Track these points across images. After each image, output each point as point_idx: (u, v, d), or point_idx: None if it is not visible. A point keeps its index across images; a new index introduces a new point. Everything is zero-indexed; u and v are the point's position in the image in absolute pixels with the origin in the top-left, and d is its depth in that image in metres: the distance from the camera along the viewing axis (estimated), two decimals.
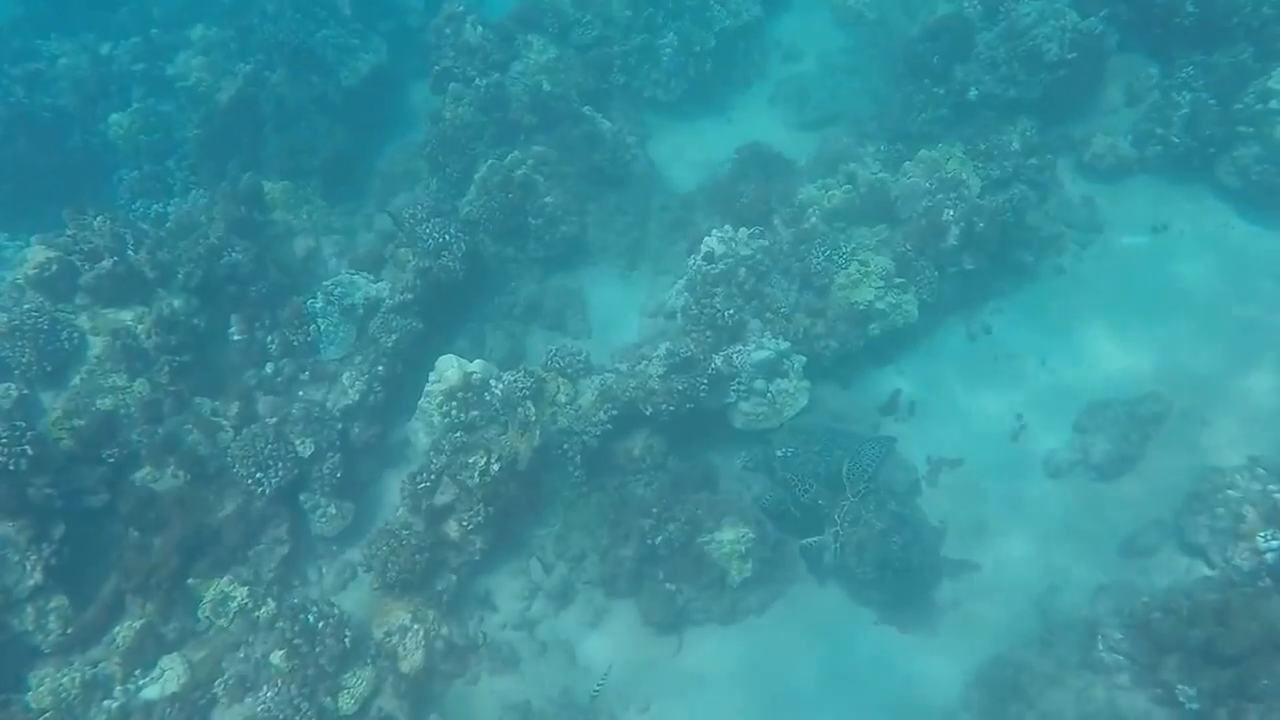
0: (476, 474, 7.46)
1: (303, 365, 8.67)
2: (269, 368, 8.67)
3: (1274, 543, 6.41)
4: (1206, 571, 6.98)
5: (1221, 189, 9.55)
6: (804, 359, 8.48)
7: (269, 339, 8.79)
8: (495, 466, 7.46)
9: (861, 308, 8.66)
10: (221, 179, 10.76)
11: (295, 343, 8.59)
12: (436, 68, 10.68)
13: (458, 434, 7.82)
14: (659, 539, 7.73)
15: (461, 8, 10.82)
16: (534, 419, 7.62)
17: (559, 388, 8.21)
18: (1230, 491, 7.16)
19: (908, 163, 9.41)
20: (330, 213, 10.75)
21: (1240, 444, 7.95)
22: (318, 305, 8.62)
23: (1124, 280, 9.40)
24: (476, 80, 10.17)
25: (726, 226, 8.79)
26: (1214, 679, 6.12)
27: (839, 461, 7.82)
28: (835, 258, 8.81)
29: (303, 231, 10.26)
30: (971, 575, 8.05)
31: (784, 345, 8.29)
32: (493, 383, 7.88)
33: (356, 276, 8.91)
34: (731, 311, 8.31)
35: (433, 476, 7.60)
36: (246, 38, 11.58)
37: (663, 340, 9.05)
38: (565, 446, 7.99)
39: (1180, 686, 6.23)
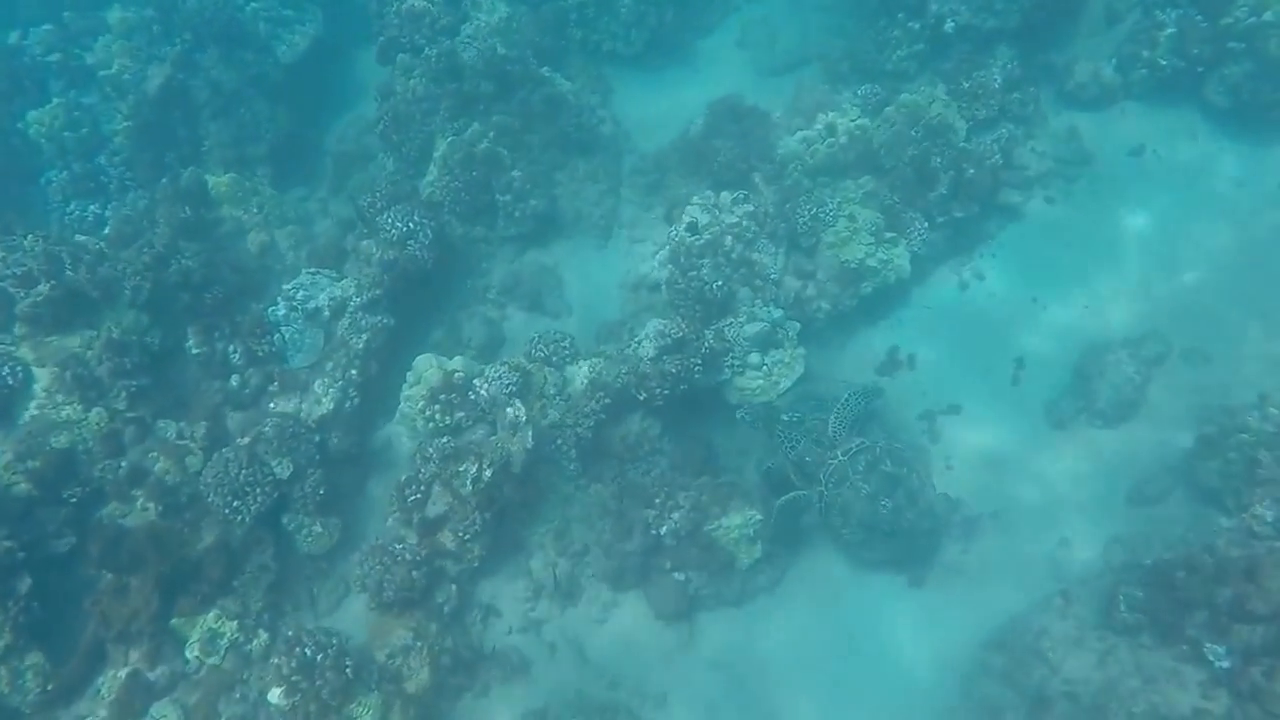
0: (469, 481, 7.03)
1: (270, 375, 8.10)
2: (234, 380, 8.09)
3: None
4: (1223, 521, 6.77)
5: (1210, 109, 9.14)
6: (798, 325, 8.06)
7: (230, 349, 8.18)
8: (488, 472, 7.02)
9: (853, 266, 8.23)
10: (160, 174, 9.95)
11: (260, 353, 8.00)
12: (381, 38, 9.83)
13: (444, 439, 7.35)
14: (664, 529, 7.39)
15: None
16: (524, 419, 7.16)
17: (546, 378, 7.73)
18: (1243, 435, 6.92)
19: (889, 108, 8.86)
20: (282, 202, 10.03)
21: (1246, 382, 7.74)
22: (280, 313, 8.00)
23: (1113, 214, 9.05)
24: (426, 50, 9.37)
25: (708, 193, 8.23)
26: (1244, 637, 5.95)
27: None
28: (822, 215, 8.32)
29: (255, 226, 9.55)
30: (979, 532, 7.86)
31: (777, 314, 7.86)
32: (477, 382, 7.37)
33: (319, 276, 8.28)
34: (720, 283, 7.83)
35: (423, 487, 7.16)
36: (169, 17, 10.57)
37: (647, 314, 8.59)
38: (559, 441, 7.56)
39: (1209, 645, 6.05)
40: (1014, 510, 7.82)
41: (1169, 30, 9.05)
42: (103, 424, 7.34)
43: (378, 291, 8.20)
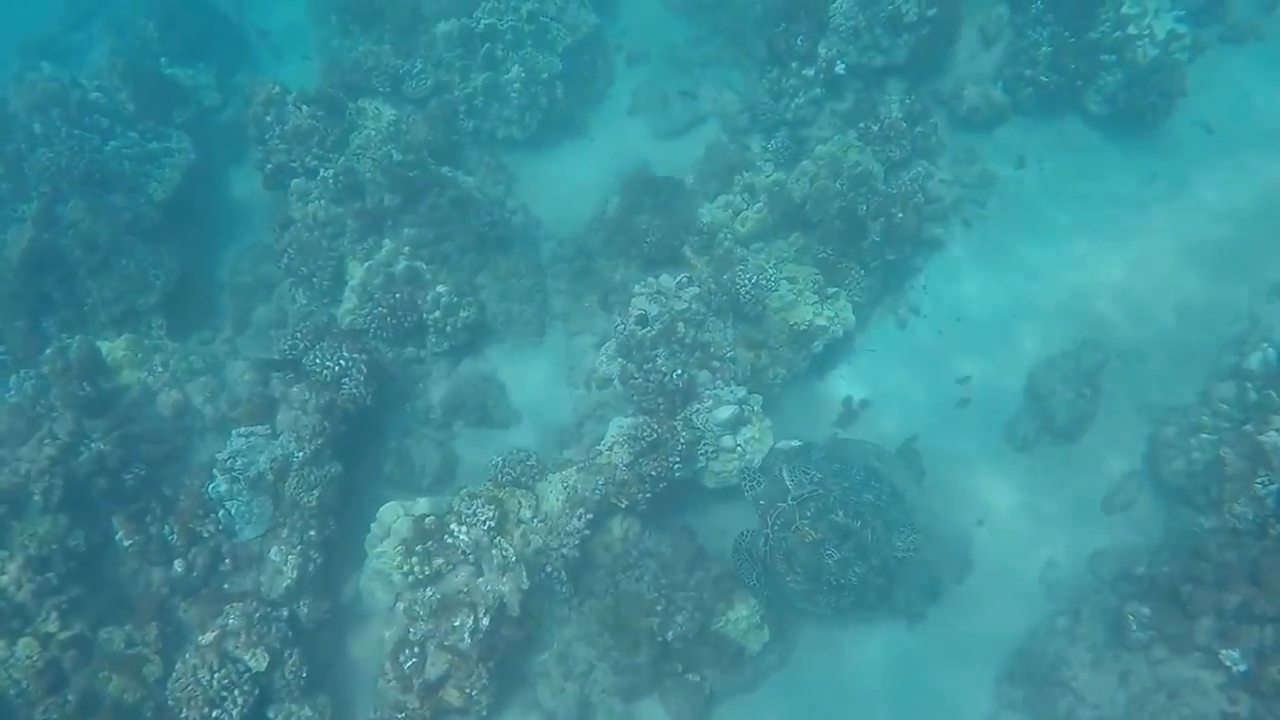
0: (467, 635, 6.72)
1: (219, 552, 7.54)
2: (178, 566, 7.49)
3: (1272, 486, 6.62)
4: (1202, 520, 7.17)
5: (1092, 118, 9.77)
6: (760, 399, 8.11)
7: (166, 531, 7.60)
8: (486, 620, 6.74)
9: (803, 328, 8.35)
10: (39, 345, 9.18)
11: (204, 533, 7.44)
12: (269, 165, 9.36)
13: (429, 590, 7.00)
14: (670, 634, 7.27)
15: (277, 88, 9.51)
16: (514, 557, 6.90)
17: (520, 502, 7.50)
18: (1203, 435, 7.36)
19: (805, 161, 9.07)
20: (188, 353, 9.39)
21: (1185, 377, 8.26)
22: (221, 489, 7.46)
23: (1025, 228, 9.53)
24: (322, 172, 9.01)
25: (652, 280, 8.20)
26: (1255, 638, 6.30)
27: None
28: (763, 282, 8.42)
29: (164, 386, 8.88)
30: (966, 568, 8.06)
31: (741, 393, 7.88)
32: (454, 526, 7.07)
33: (252, 436, 7.77)
34: (679, 372, 7.79)
35: (418, 649, 6.79)
36: (18, 169, 9.83)
37: (604, 411, 8.48)
38: (547, 567, 7.33)
39: (1224, 651, 6.37)
40: (996, 536, 8.06)
41: (1045, 48, 9.62)
42: (35, 657, 6.63)
43: (320, 440, 7.78)
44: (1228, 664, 6.28)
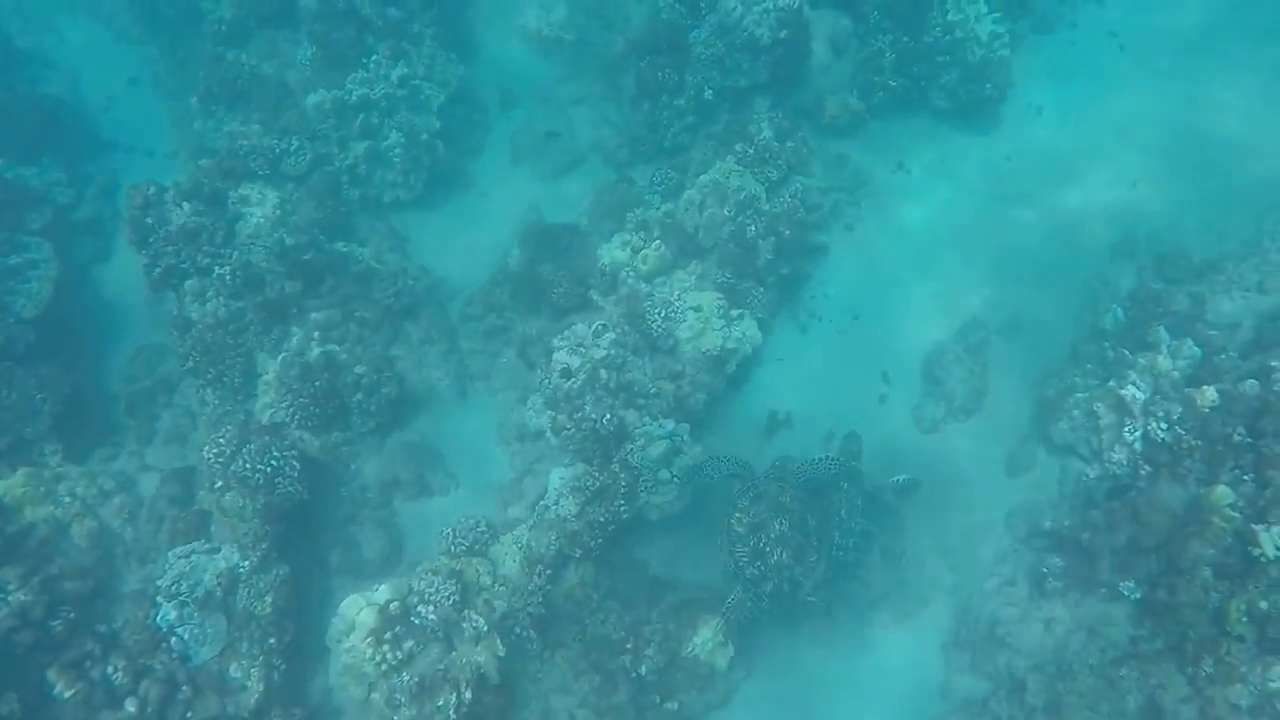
0: (452, 712, 7.13)
1: (174, 681, 7.64)
2: (130, 706, 7.53)
3: (1137, 432, 7.78)
4: (1089, 471, 8.30)
5: (939, 112, 10.91)
6: (688, 426, 8.79)
7: (110, 671, 7.63)
8: (468, 694, 7.16)
9: (715, 353, 9.08)
10: None
11: (156, 667, 7.53)
12: (157, 270, 9.35)
13: (405, 675, 7.36)
14: (644, 669, 7.88)
15: (153, 189, 9.51)
16: (484, 626, 7.35)
17: (478, 570, 7.94)
18: (1078, 394, 8.51)
19: (690, 191, 9.79)
20: (94, 475, 9.32)
21: (1055, 342, 9.45)
22: (170, 615, 7.56)
23: (899, 221, 10.58)
24: (217, 269, 9.11)
25: (569, 333, 8.75)
26: (1143, 567, 7.45)
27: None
28: (671, 315, 9.11)
29: (75, 516, 8.85)
30: (898, 550, 8.97)
31: (670, 425, 8.54)
32: (420, 608, 7.45)
33: (193, 555, 7.90)
34: (608, 417, 8.39)
35: None
36: None
37: (541, 465, 8.99)
38: (515, 629, 7.80)
39: (1122, 583, 7.50)
40: (925, 508, 8.99)
41: (890, 55, 10.69)
42: None
43: (265, 545, 7.98)
44: (1126, 593, 7.40)
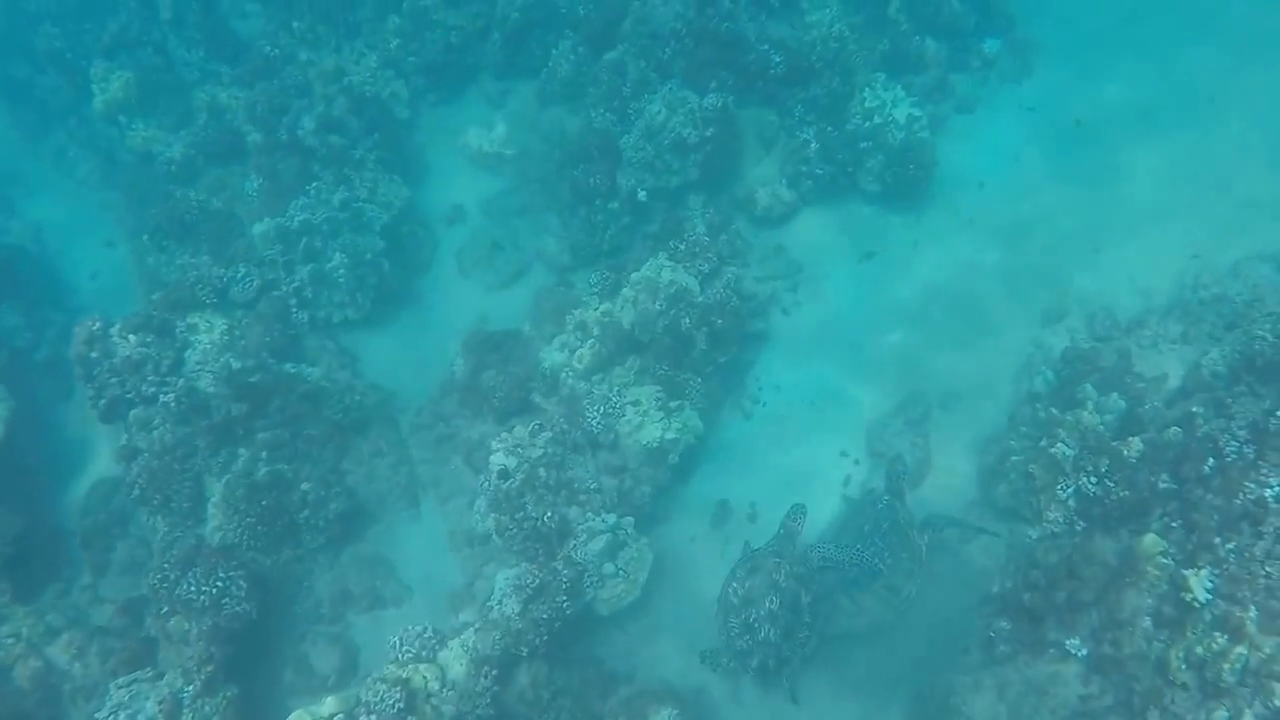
0: None
1: None
2: None
3: (1069, 489, 8.12)
4: (1030, 532, 8.60)
5: (869, 196, 11.66)
6: (632, 519, 9.15)
7: None
8: None
9: (655, 446, 9.51)
10: None
11: None
12: (102, 400, 9.95)
13: None
14: None
15: (98, 324, 10.20)
16: None
17: (425, 676, 8.17)
18: (1014, 458, 8.88)
19: (626, 289, 10.43)
20: (42, 613, 9.65)
21: (998, 409, 9.88)
22: None
23: (830, 303, 11.16)
24: (162, 397, 9.68)
25: (506, 435, 9.22)
26: (1086, 623, 7.67)
27: None
28: (610, 411, 9.59)
29: (19, 656, 9.12)
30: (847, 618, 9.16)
31: (611, 519, 8.90)
32: (364, 718, 7.66)
33: (135, 683, 8.16)
34: (549, 514, 8.77)
35: None
36: None
37: (490, 567, 9.31)
38: None
39: (1067, 641, 7.70)
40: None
41: (814, 145, 11.52)
42: None
43: (210, 668, 8.24)
44: (1073, 651, 7.60)
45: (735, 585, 8.34)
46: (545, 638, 8.26)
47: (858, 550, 8.41)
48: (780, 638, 8.10)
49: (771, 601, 8.08)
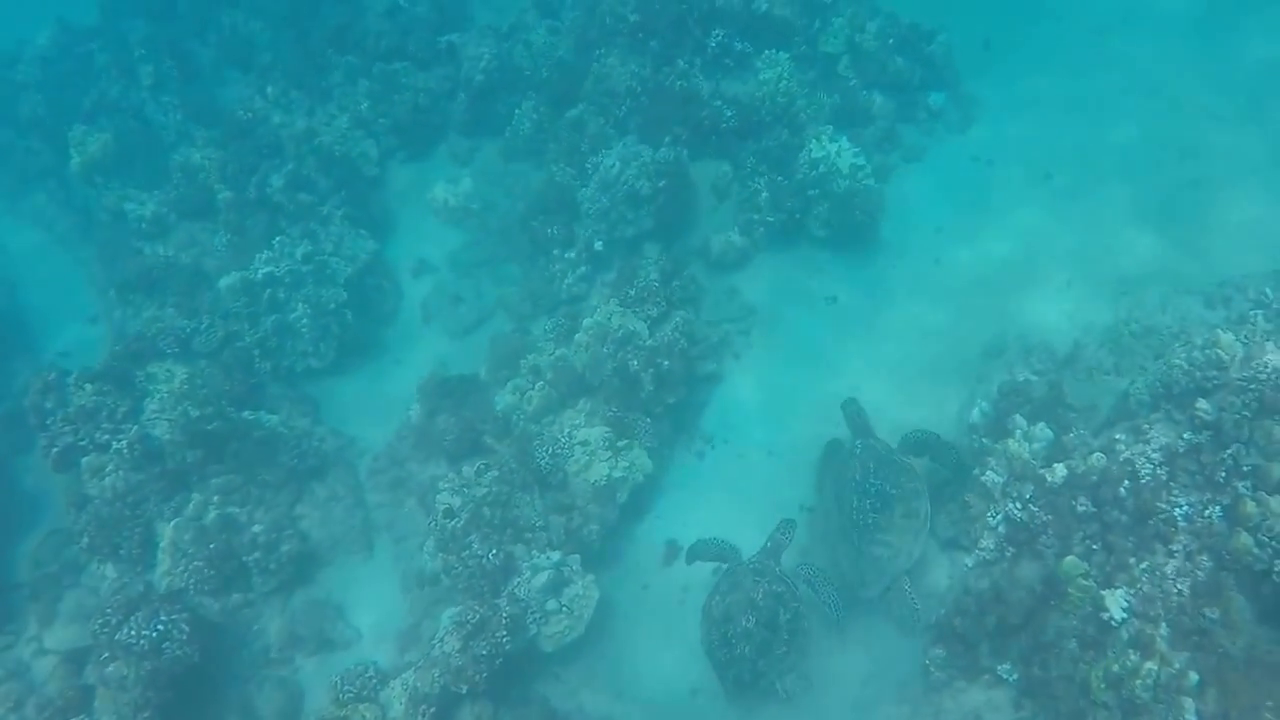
0: None
1: None
2: None
3: (998, 516, 8.43)
4: (967, 560, 8.86)
5: (817, 241, 12.21)
6: (578, 557, 9.46)
7: None
8: None
9: (603, 484, 9.88)
10: None
11: None
12: (55, 448, 10.38)
13: None
14: None
15: (53, 374, 10.72)
16: None
17: (364, 717, 8.41)
18: (951, 488, 9.21)
19: (578, 334, 10.92)
20: None
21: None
22: None
23: (784, 347, 11.60)
24: (115, 444, 10.12)
25: (452, 475, 9.61)
26: (1016, 647, 7.90)
27: None
28: (558, 451, 9.98)
29: None
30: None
31: (555, 556, 9.22)
32: None
33: None
34: (494, 552, 9.09)
35: None
36: None
37: (438, 607, 9.58)
38: None
39: (999, 666, 7.93)
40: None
41: (764, 194, 12.12)
42: None
43: (146, 714, 8.49)
44: (1004, 676, 7.82)
45: (717, 599, 8.66)
46: (485, 674, 8.50)
47: (834, 591, 8.78)
48: (755, 655, 8.40)
49: (748, 619, 8.38)
